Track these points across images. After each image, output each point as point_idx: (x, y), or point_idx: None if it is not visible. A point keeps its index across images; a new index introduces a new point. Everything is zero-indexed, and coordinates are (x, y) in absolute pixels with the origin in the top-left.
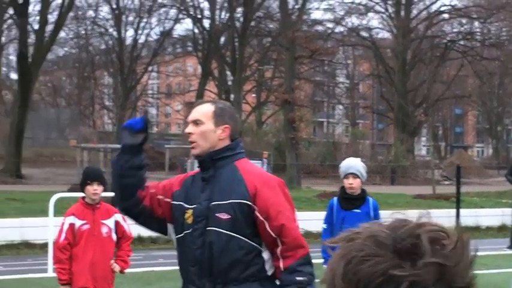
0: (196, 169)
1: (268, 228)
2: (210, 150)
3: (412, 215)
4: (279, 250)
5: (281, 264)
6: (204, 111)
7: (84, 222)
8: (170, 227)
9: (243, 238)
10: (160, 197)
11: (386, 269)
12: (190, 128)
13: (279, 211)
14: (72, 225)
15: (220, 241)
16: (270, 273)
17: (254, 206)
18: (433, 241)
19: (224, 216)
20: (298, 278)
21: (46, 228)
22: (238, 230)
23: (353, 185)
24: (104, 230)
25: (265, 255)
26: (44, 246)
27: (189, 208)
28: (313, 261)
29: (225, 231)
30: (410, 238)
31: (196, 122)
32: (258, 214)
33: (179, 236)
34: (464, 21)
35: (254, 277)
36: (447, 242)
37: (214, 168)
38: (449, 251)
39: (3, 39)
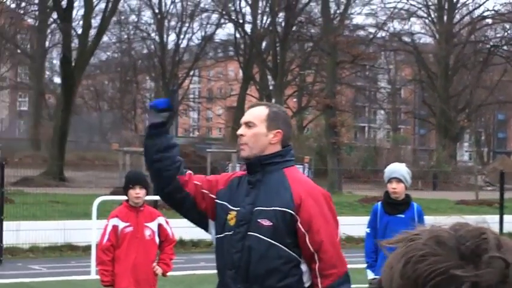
0: (243, 171)
1: (308, 242)
2: (259, 154)
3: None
4: (316, 267)
5: (319, 284)
6: (258, 113)
7: (127, 224)
8: (211, 225)
9: (283, 247)
10: (205, 191)
11: (448, 269)
12: (242, 130)
13: (320, 226)
14: (115, 227)
15: (259, 247)
16: (307, 285)
17: (297, 217)
18: (498, 243)
19: (266, 222)
20: None
21: (89, 231)
22: (279, 239)
23: (396, 189)
24: (147, 232)
25: (304, 267)
26: (87, 248)
27: (232, 210)
28: (356, 266)
29: (265, 238)
30: (474, 239)
31: (248, 124)
32: (300, 225)
33: (219, 235)
34: (507, 26)
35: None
36: (510, 246)
37: (263, 172)
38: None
39: (47, 43)
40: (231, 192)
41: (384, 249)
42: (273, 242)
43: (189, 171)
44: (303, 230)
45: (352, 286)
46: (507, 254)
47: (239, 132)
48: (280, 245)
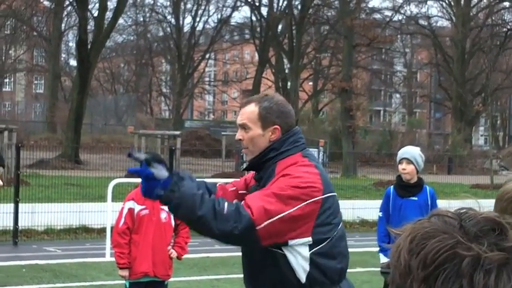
0: None
1: None
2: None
3: (471, 204)
4: None
5: None
6: (249, 114)
7: (143, 207)
8: None
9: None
10: (243, 191)
11: (453, 245)
12: (239, 134)
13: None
14: (131, 210)
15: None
16: (303, 281)
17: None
18: (503, 226)
19: None
20: None
21: (104, 213)
22: None
23: (406, 170)
24: (163, 215)
25: (293, 260)
26: (102, 230)
27: None
28: (369, 249)
29: None
30: (480, 221)
31: (244, 127)
32: None
33: None
34: None
35: (283, 285)
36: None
37: (264, 169)
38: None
39: (63, 26)
40: (252, 190)
41: (395, 235)
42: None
43: (219, 184)
44: None
45: (366, 269)
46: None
47: (237, 137)
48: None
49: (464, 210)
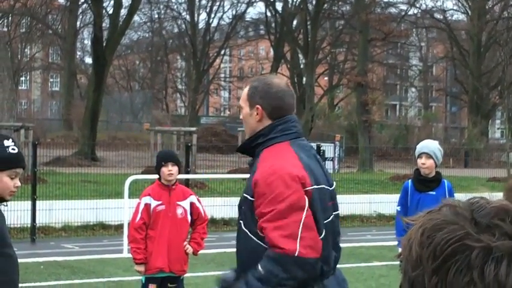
0: None
1: (259, 229)
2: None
3: (487, 197)
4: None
5: None
6: (243, 94)
7: (159, 202)
8: None
9: (251, 236)
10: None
11: (463, 237)
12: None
13: (264, 211)
14: (147, 206)
15: (239, 236)
16: None
17: (255, 204)
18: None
19: (241, 210)
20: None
21: (121, 210)
22: (248, 227)
23: (425, 164)
24: (179, 211)
25: None
26: (119, 227)
27: None
28: (387, 243)
29: (241, 226)
30: (490, 211)
31: (240, 107)
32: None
33: None
34: None
35: None
36: None
37: (254, 155)
38: None
39: (78, 23)
40: None
41: (408, 225)
42: (245, 230)
43: None
44: (256, 217)
45: (384, 263)
46: None
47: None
48: (249, 234)
49: (476, 200)
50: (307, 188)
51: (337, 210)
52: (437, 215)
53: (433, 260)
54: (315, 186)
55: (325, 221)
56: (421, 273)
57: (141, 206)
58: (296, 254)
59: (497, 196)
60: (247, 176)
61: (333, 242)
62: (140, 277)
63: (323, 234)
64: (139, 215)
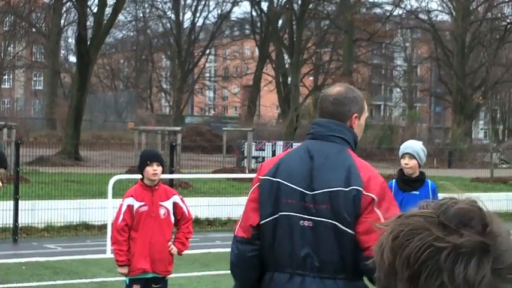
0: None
1: None
2: None
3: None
4: None
5: None
6: None
7: (142, 203)
8: None
9: None
10: None
11: (433, 241)
12: None
13: None
14: (130, 207)
15: None
16: None
17: None
18: (482, 216)
19: None
20: None
21: (105, 210)
22: None
23: (408, 165)
24: (162, 211)
25: None
26: (103, 227)
27: None
28: None
29: None
30: (458, 212)
31: None
32: None
33: None
34: None
35: None
36: (488, 220)
37: None
38: (490, 229)
39: (62, 22)
40: None
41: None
42: None
43: None
44: None
45: None
46: (492, 225)
47: None
48: None
49: (444, 201)
50: (260, 177)
51: (322, 216)
52: (406, 219)
53: (407, 268)
54: (267, 177)
55: (279, 214)
56: (395, 281)
57: (124, 208)
58: (235, 233)
59: (483, 196)
60: (231, 175)
61: (306, 242)
62: (124, 278)
63: (264, 221)
64: (121, 217)
